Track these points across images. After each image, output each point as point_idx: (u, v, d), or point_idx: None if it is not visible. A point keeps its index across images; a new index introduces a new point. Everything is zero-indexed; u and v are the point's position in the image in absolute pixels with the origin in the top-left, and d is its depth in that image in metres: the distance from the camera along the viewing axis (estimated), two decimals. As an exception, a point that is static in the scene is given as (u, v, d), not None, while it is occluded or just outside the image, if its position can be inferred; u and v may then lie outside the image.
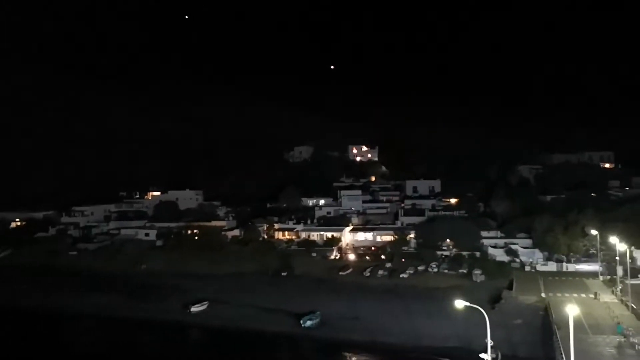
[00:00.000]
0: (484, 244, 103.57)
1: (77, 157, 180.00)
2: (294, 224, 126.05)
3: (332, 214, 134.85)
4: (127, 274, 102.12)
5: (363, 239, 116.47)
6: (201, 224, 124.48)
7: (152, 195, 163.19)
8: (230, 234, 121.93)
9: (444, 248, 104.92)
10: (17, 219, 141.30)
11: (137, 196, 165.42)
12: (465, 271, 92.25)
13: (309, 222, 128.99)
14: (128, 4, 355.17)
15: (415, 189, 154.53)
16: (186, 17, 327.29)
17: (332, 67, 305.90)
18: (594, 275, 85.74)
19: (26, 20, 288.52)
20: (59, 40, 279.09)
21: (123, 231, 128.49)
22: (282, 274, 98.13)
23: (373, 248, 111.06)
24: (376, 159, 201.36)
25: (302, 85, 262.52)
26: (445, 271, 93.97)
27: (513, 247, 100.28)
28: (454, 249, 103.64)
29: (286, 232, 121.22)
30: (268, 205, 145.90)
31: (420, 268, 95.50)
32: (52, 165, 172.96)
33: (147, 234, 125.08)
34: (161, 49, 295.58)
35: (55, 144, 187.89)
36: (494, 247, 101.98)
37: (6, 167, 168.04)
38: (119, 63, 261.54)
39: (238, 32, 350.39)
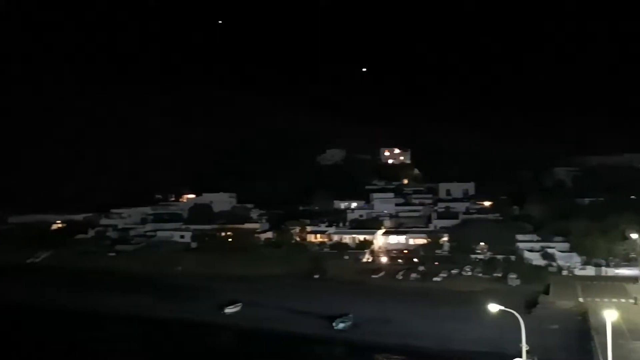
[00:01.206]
0: (519, 247, 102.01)
1: (115, 162, 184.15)
2: (326, 226, 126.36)
3: (364, 217, 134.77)
4: (163, 275, 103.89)
5: (395, 242, 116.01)
6: (234, 226, 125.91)
7: (187, 198, 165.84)
8: (263, 236, 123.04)
9: (478, 251, 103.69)
10: (58, 221, 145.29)
11: (173, 199, 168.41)
12: (499, 275, 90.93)
13: (341, 224, 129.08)
14: (158, 7, 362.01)
15: (448, 192, 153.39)
16: (219, 22, 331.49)
17: (364, 69, 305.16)
18: (634, 279, 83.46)
19: (56, 23, 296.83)
20: (90, 44, 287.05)
21: (159, 233, 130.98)
22: (315, 276, 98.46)
23: (405, 251, 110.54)
24: (408, 161, 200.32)
25: (333, 88, 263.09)
26: (480, 275, 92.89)
27: (549, 250, 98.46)
28: (488, 253, 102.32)
29: (318, 235, 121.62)
30: (300, 208, 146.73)
31: (454, 271, 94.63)
32: (91, 169, 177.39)
33: (182, 236, 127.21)
34: (193, 53, 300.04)
35: (94, 149, 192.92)
36: (530, 250, 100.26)
37: (48, 171, 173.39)
38: (154, 68, 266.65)
39: (268, 37, 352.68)
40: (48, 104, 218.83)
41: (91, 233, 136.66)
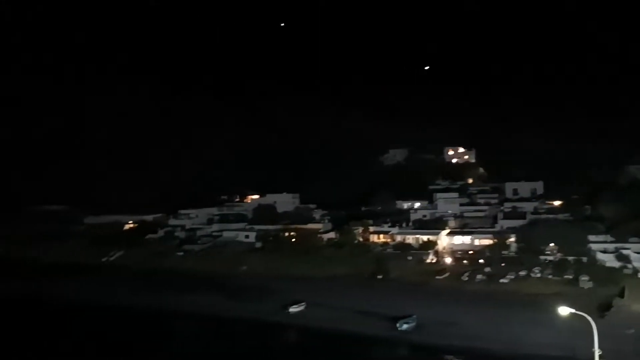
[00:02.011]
0: (592, 248, 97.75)
1: (183, 164, 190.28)
2: (389, 227, 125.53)
3: (427, 217, 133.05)
4: (228, 274, 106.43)
5: (460, 242, 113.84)
6: (298, 226, 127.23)
7: (251, 199, 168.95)
8: (325, 236, 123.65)
9: (547, 253, 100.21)
10: (130, 222, 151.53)
11: (237, 200, 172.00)
12: (571, 277, 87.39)
13: (404, 225, 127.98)
14: (223, 16, 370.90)
15: (515, 191, 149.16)
16: (282, 24, 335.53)
17: (426, 67, 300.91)
18: None
19: (128, 34, 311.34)
20: (158, 52, 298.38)
21: (225, 233, 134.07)
22: (378, 277, 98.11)
23: (471, 252, 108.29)
24: (473, 160, 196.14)
25: (396, 88, 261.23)
26: (549, 277, 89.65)
27: (625, 252, 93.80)
28: (559, 254, 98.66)
29: (381, 235, 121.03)
30: (363, 208, 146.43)
31: (522, 273, 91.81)
32: (160, 172, 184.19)
33: (247, 236, 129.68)
34: (256, 58, 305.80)
35: (163, 152, 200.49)
36: (603, 252, 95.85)
37: (120, 173, 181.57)
38: (218, 75, 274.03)
39: (328, 39, 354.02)
40: (120, 110, 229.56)
41: (161, 233, 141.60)
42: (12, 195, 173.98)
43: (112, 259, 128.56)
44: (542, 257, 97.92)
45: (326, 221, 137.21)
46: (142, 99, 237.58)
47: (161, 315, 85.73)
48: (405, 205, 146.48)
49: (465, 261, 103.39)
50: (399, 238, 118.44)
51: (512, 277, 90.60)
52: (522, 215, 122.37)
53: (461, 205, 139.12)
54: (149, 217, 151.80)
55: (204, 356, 68.08)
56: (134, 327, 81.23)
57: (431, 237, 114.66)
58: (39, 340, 74.44)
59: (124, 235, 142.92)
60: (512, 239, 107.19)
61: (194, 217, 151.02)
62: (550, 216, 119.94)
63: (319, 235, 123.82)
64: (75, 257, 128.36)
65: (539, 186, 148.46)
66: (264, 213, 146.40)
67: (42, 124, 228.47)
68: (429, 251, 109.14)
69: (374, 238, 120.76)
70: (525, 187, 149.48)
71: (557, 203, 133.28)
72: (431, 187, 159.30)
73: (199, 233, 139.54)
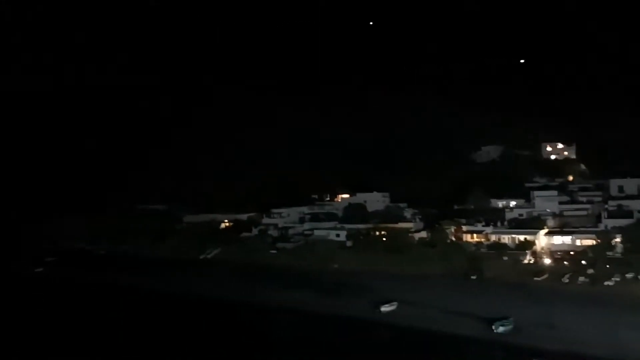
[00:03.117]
0: None
1: (275, 164, 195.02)
2: (482, 226, 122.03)
3: (524, 216, 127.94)
4: (320, 272, 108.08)
5: (560, 242, 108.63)
6: (388, 225, 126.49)
7: (342, 198, 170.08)
8: (417, 235, 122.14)
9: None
10: (226, 220, 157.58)
11: (328, 199, 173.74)
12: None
13: (498, 224, 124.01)
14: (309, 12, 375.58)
15: (621, 189, 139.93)
16: (370, 23, 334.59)
17: (521, 61, 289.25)
18: None
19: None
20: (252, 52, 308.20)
21: (316, 232, 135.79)
22: (471, 277, 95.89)
23: (572, 253, 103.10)
24: (573, 156, 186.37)
25: (491, 81, 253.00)
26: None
27: None
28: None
29: (474, 235, 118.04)
30: (455, 206, 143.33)
31: (629, 275, 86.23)
32: (254, 171, 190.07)
33: (337, 235, 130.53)
34: (343, 54, 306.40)
35: (255, 152, 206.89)
36: None
37: (216, 174, 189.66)
38: (303, 74, 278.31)
39: (420, 34, 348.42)
40: (214, 112, 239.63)
41: (255, 231, 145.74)
42: (120, 195, 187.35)
43: (209, 256, 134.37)
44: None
45: (417, 220, 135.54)
46: (240, 99, 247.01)
47: (259, 309, 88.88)
48: (500, 203, 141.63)
49: (565, 262, 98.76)
50: (493, 237, 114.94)
51: (618, 279, 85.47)
52: (629, 214, 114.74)
53: (560, 203, 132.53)
54: (243, 216, 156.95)
55: (299, 350, 69.72)
56: (229, 320, 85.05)
57: (528, 237, 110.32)
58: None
59: (221, 233, 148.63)
60: (618, 239, 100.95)
61: (285, 216, 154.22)
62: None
63: (410, 234, 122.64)
64: (176, 253, 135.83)
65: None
66: (354, 212, 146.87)
67: (148, 127, 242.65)
68: (526, 251, 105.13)
69: (467, 237, 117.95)
70: (632, 184, 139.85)
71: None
72: (528, 184, 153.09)
73: (291, 231, 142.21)
